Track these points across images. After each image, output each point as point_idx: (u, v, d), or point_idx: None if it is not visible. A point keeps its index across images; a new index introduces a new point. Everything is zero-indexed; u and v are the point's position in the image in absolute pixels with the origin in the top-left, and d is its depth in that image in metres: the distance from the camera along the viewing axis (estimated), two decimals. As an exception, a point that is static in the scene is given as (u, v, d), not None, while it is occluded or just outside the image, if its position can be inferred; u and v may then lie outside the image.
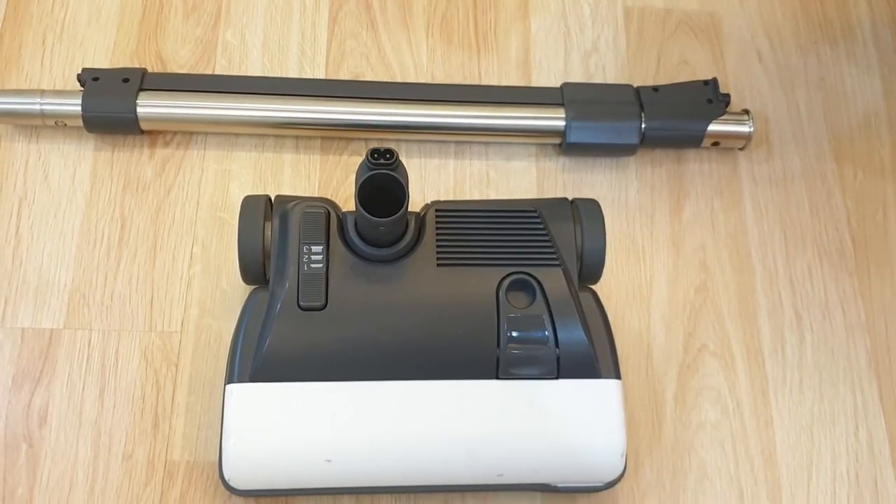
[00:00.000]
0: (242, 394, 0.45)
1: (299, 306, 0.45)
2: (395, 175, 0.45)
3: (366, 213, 0.44)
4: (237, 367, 0.45)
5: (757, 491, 0.51)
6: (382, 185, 0.45)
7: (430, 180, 0.58)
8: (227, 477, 0.45)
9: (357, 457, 0.45)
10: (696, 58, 0.63)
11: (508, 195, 0.58)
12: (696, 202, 0.59)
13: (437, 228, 0.48)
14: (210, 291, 0.53)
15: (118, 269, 0.53)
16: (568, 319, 0.46)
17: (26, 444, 0.49)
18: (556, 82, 0.60)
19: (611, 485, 0.48)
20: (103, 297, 0.53)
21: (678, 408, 0.53)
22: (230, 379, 0.45)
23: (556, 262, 0.48)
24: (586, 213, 0.49)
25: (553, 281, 0.47)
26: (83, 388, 0.50)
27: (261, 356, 0.45)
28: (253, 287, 0.49)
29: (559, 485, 0.47)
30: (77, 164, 0.56)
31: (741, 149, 0.60)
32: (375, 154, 0.46)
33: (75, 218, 0.55)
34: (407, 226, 0.47)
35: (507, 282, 0.47)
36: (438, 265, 0.47)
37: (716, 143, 0.59)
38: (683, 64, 0.63)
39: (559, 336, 0.46)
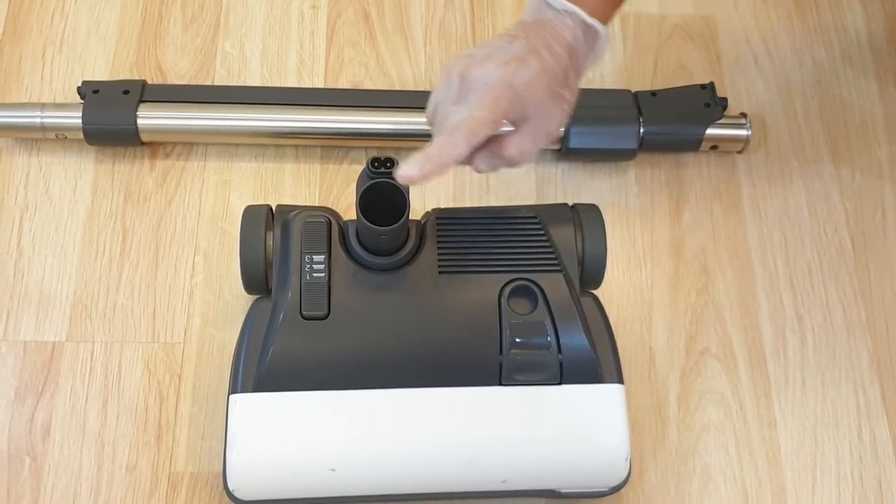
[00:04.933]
0: (246, 404, 0.45)
1: (302, 316, 0.45)
2: (396, 183, 0.45)
3: (367, 222, 0.44)
4: (241, 377, 0.45)
5: (762, 493, 0.51)
6: (383, 194, 0.45)
7: (430, 188, 0.58)
8: (231, 487, 0.45)
9: (361, 465, 0.45)
10: (693, 62, 0.64)
11: (508, 201, 0.58)
12: (696, 206, 0.59)
13: (438, 236, 0.48)
14: (212, 302, 0.53)
15: (120, 280, 0.53)
16: (570, 325, 0.46)
17: (30, 457, 0.48)
18: (554, 88, 0.60)
19: (615, 489, 0.48)
20: (105, 309, 0.53)
21: (681, 411, 0.53)
22: (234, 389, 0.45)
23: (558, 268, 0.48)
24: (587, 218, 0.50)
25: (554, 286, 0.47)
26: (86, 401, 0.50)
27: (264, 366, 0.45)
28: (255, 297, 0.49)
29: (564, 490, 0.47)
30: (78, 176, 0.56)
31: (739, 152, 0.60)
32: (376, 162, 0.46)
33: (77, 230, 0.55)
34: (408, 234, 0.47)
35: (508, 288, 0.47)
36: (440, 272, 0.47)
37: (714, 147, 0.60)
38: (680, 68, 0.63)
39: (561, 341, 0.46)
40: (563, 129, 0.57)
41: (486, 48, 0.43)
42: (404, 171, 0.41)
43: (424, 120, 0.57)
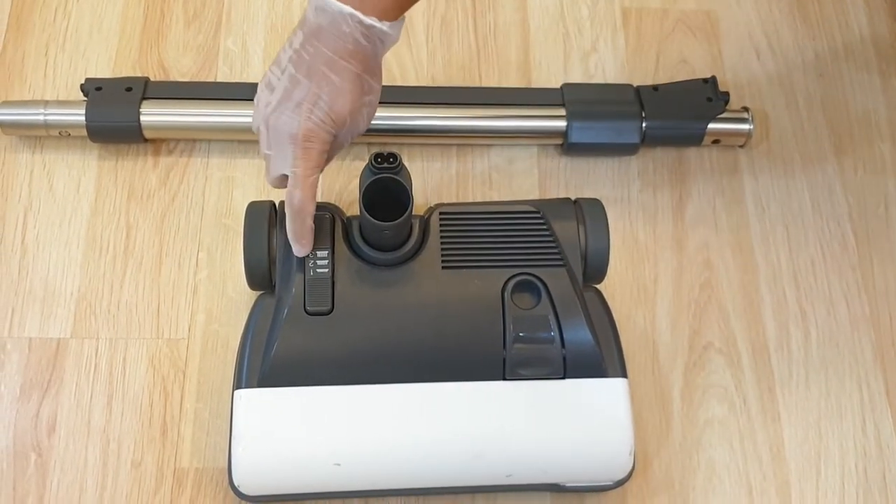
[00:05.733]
0: (251, 399, 0.45)
1: (306, 311, 0.45)
2: (399, 179, 0.45)
3: (370, 218, 0.44)
4: (245, 372, 0.45)
5: (766, 487, 0.51)
6: (386, 189, 0.45)
7: (433, 183, 0.58)
8: (236, 483, 0.45)
9: (366, 460, 0.45)
10: (695, 56, 0.64)
11: (511, 197, 0.58)
12: (699, 200, 0.59)
13: (441, 231, 0.48)
14: (216, 298, 0.53)
15: (124, 277, 0.53)
16: (573, 319, 0.46)
17: (35, 453, 0.49)
18: (555, 83, 0.60)
19: (620, 483, 0.48)
20: (110, 306, 0.53)
21: (685, 406, 0.53)
22: (238, 384, 0.45)
23: (561, 263, 0.48)
24: (589, 213, 0.50)
25: (558, 281, 0.47)
26: (91, 397, 0.50)
27: (269, 361, 0.45)
28: (259, 293, 0.49)
29: (568, 484, 0.47)
30: (81, 173, 0.56)
31: (741, 146, 0.60)
32: (379, 158, 0.46)
33: (80, 227, 0.55)
34: (411, 229, 0.47)
35: (511, 283, 0.47)
36: (443, 268, 0.47)
37: (716, 141, 0.60)
38: (682, 63, 0.63)
39: (565, 336, 0.46)
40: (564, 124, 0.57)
41: (278, 86, 0.44)
42: (299, 255, 0.45)
43: (428, 115, 0.58)
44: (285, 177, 0.45)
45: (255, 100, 0.46)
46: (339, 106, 0.43)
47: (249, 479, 0.45)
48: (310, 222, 0.45)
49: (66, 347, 0.51)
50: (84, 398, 0.50)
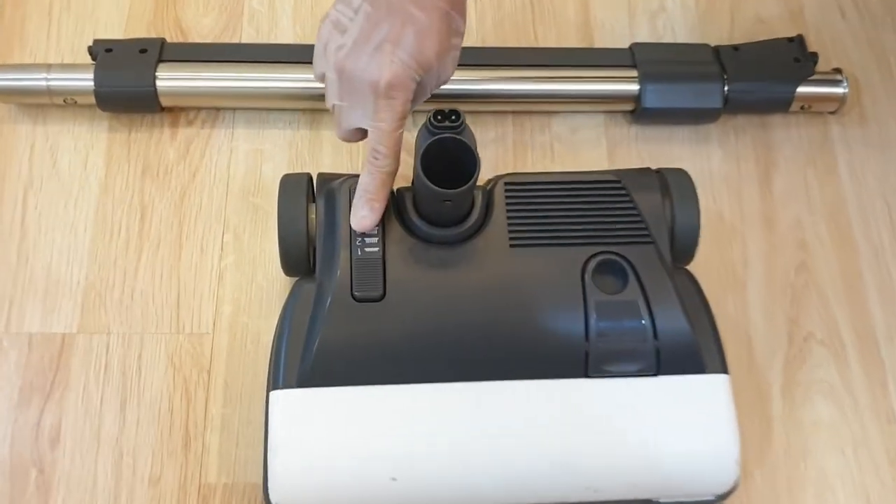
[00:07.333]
0: (289, 402, 0.40)
1: (353, 297, 0.41)
2: (463, 139, 0.40)
3: (431, 184, 0.39)
4: (282, 371, 0.41)
5: (887, 497, 0.45)
6: (447, 152, 0.40)
7: (488, 156, 0.53)
8: (273, 500, 0.40)
9: (426, 473, 0.40)
10: (772, 15, 0.59)
11: (576, 169, 0.52)
12: (787, 172, 0.54)
13: (507, 204, 0.44)
14: (245, 286, 0.49)
15: (139, 264, 0.50)
16: (667, 305, 0.42)
17: (36, 468, 0.44)
18: (620, 45, 0.55)
19: (722, 497, 0.42)
20: (122, 297, 0.49)
21: (787, 406, 0.47)
22: (275, 385, 0.41)
23: (648, 240, 0.43)
24: (675, 185, 0.45)
25: (646, 261, 0.43)
26: (101, 402, 0.46)
27: (310, 357, 0.41)
28: (295, 279, 0.44)
29: (662, 500, 0.42)
30: (90, 146, 0.52)
31: (832, 112, 0.55)
32: (439, 116, 0.42)
33: (89, 207, 0.51)
34: (473, 201, 0.43)
35: (593, 263, 0.42)
36: (512, 246, 0.43)
37: (804, 107, 0.54)
38: (759, 22, 0.58)
39: (657, 325, 0.41)
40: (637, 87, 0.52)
41: (351, 26, 0.39)
42: (361, 223, 0.41)
43: (480, 78, 0.51)
44: (358, 130, 0.41)
45: (320, 43, 0.41)
46: (427, 48, 0.39)
47: (289, 495, 0.40)
48: (390, 184, 0.41)
49: (73, 344, 0.47)
50: (93, 404, 0.46)
